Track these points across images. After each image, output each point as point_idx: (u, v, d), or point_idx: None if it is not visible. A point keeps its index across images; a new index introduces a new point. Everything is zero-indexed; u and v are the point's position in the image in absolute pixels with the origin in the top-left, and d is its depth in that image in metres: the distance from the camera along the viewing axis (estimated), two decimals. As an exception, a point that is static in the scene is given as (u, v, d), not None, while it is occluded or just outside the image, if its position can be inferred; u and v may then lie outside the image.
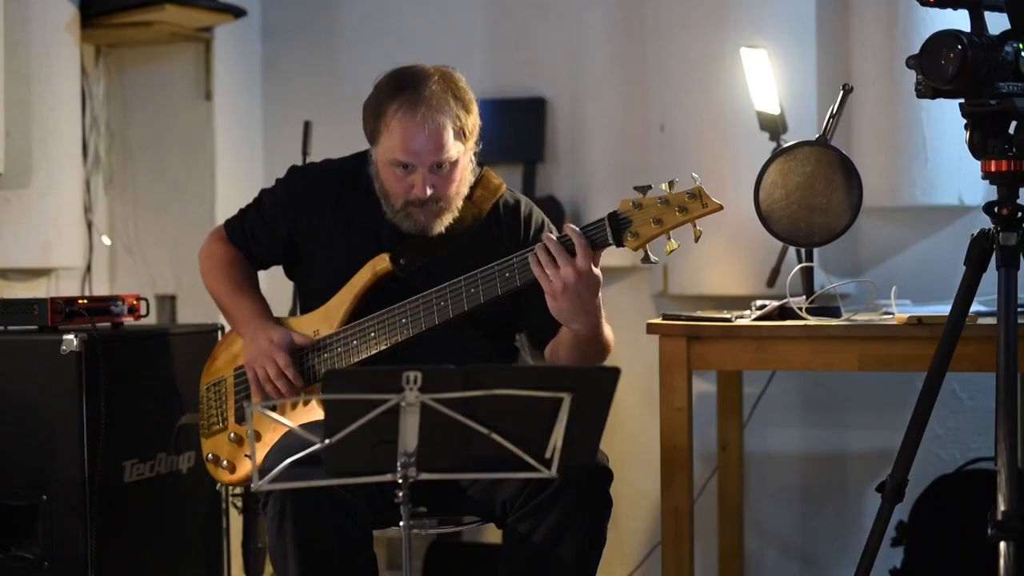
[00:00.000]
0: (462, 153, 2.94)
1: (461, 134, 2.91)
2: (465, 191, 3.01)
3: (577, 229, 2.74)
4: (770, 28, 4.21)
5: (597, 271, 2.76)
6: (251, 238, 3.20)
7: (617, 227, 2.71)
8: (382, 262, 3.00)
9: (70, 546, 3.23)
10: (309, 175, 3.18)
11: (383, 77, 2.98)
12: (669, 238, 2.70)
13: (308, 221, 3.10)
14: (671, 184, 2.69)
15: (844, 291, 3.92)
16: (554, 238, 2.75)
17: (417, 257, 3.01)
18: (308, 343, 3.03)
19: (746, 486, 4.44)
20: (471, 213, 3.04)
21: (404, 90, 2.90)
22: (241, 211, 3.25)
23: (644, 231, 2.70)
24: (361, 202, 3.07)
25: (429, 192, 2.91)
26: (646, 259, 2.72)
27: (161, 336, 3.60)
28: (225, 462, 3.11)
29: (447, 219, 2.98)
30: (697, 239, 2.71)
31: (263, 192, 3.23)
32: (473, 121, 2.95)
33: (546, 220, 3.13)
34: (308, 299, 3.17)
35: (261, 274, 3.30)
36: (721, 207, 2.68)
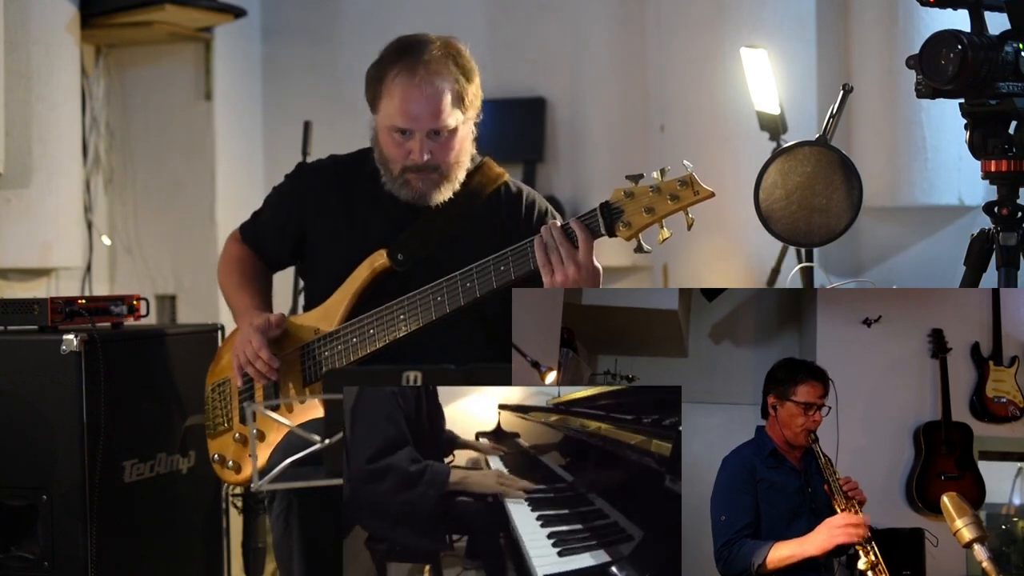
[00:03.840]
0: (461, 122, 2.91)
1: (460, 101, 2.89)
2: (465, 162, 2.97)
3: (579, 220, 2.73)
4: (770, 28, 4.22)
5: (597, 263, 2.75)
6: (261, 235, 3.21)
7: (609, 217, 2.69)
8: (380, 258, 2.99)
9: (70, 546, 3.22)
10: (317, 168, 3.19)
11: (388, 44, 2.97)
12: (662, 226, 2.67)
13: (315, 212, 3.10)
14: (663, 172, 2.66)
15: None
16: (558, 225, 2.73)
17: (415, 252, 3.00)
18: (279, 320, 3.02)
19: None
20: (469, 201, 3.01)
21: (405, 55, 2.89)
22: (254, 213, 3.27)
23: (636, 220, 2.68)
24: (365, 193, 3.06)
25: (426, 158, 2.89)
26: (639, 249, 2.70)
27: (161, 336, 3.59)
28: (231, 462, 3.11)
29: (446, 191, 2.95)
30: (689, 227, 2.68)
31: (273, 189, 3.25)
32: (474, 91, 2.93)
33: (550, 208, 3.09)
34: (314, 294, 3.16)
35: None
36: (713, 194, 2.66)
